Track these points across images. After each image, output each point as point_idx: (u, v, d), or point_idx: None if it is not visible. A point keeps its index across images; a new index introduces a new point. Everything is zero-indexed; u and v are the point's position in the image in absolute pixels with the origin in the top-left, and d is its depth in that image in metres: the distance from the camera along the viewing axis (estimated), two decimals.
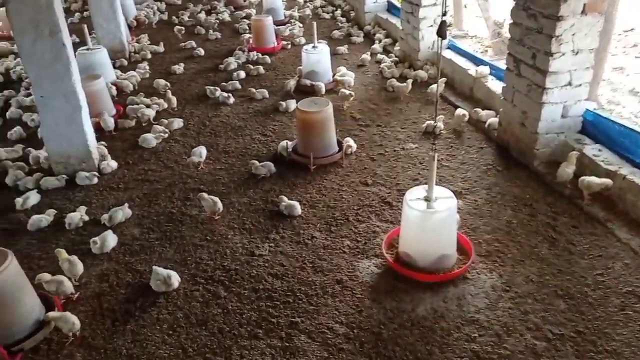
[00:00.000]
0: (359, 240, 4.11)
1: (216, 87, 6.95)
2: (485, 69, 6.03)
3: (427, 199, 3.47)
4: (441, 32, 2.88)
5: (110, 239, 4.10)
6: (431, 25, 7.03)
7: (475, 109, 5.76)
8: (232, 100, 6.72)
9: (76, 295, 3.70)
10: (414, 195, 3.55)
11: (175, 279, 3.66)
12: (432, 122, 5.63)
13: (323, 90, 6.72)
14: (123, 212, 4.43)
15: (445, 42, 7.16)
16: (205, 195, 4.40)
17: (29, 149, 5.52)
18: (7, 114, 6.66)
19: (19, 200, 4.66)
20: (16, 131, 6.06)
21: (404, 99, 6.55)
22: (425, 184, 3.65)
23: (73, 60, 4.86)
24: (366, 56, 7.90)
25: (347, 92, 6.40)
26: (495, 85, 5.87)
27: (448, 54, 6.96)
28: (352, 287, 3.64)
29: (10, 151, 5.60)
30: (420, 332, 3.24)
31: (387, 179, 4.91)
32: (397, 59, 7.75)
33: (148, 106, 6.55)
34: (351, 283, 3.67)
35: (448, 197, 3.53)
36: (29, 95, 7.13)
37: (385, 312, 3.40)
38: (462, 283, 3.59)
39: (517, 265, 3.74)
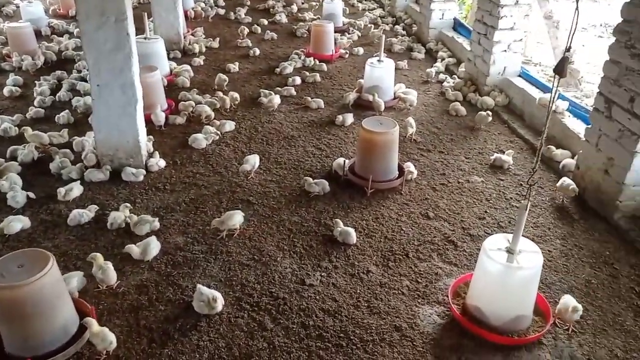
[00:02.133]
0: (419, 282, 3.74)
1: (271, 92, 6.68)
2: (563, 104, 5.58)
3: (510, 252, 3.08)
4: (561, 70, 2.51)
5: (154, 247, 3.83)
6: (505, 50, 6.61)
7: (549, 147, 5.32)
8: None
9: (116, 284, 3.56)
10: (494, 244, 3.16)
11: (220, 302, 3.36)
12: (503, 156, 5.24)
13: (382, 107, 6.37)
14: (150, 225, 4.13)
15: (517, 69, 6.75)
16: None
17: (83, 139, 5.32)
18: (57, 95, 6.51)
19: (61, 191, 4.46)
20: (64, 115, 5.88)
21: (468, 126, 6.15)
22: (496, 228, 3.29)
23: (135, 51, 4.64)
24: (430, 71, 7.57)
25: (411, 129, 5.79)
26: (573, 123, 5.43)
27: (519, 82, 6.53)
28: (412, 337, 3.27)
29: (57, 136, 5.42)
30: None
31: (451, 214, 4.52)
32: (460, 80, 7.35)
33: (199, 103, 6.33)
34: (411, 332, 3.30)
35: (534, 251, 3.13)
36: (81, 79, 7.00)
37: None
38: (537, 349, 3.19)
39: (599, 334, 3.31)
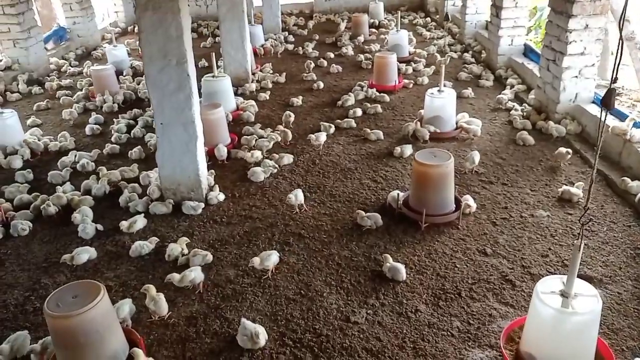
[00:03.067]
0: (471, 323, 3.54)
1: (331, 125, 6.75)
2: (639, 132, 5.16)
3: (565, 295, 2.85)
4: (608, 102, 2.33)
5: (196, 276, 3.94)
6: (576, 76, 6.26)
7: (623, 178, 4.92)
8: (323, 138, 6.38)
9: (167, 315, 3.68)
10: (547, 287, 2.94)
11: (263, 337, 3.36)
12: (572, 189, 4.92)
13: (426, 136, 6.32)
14: (203, 258, 4.23)
15: (590, 95, 6.37)
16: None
17: (147, 173, 5.64)
18: (132, 132, 6.97)
19: (124, 223, 4.72)
20: (136, 151, 6.28)
21: (536, 156, 5.84)
22: (560, 267, 3.03)
23: (195, 90, 4.89)
24: (502, 97, 7.36)
25: (470, 165, 5.53)
26: None
27: (592, 109, 6.14)
28: None
29: (128, 171, 5.78)
30: None
31: (510, 251, 4.28)
32: (530, 108, 7.04)
33: (261, 137, 6.52)
34: None
35: (591, 295, 2.87)
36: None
37: None
38: None
39: None
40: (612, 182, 5.09)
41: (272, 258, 4.10)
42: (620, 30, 2.18)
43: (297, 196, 4.95)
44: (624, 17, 2.19)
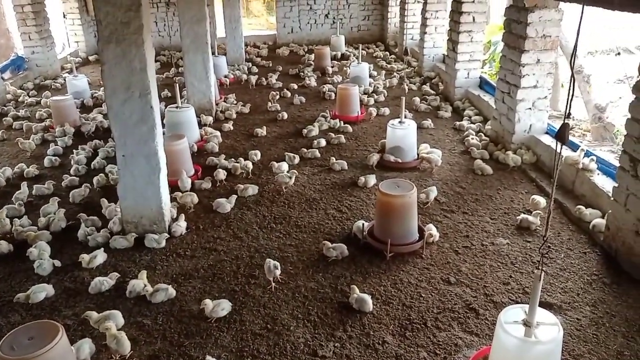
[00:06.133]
0: (437, 353, 3.57)
1: (295, 155, 6.79)
2: (591, 164, 5.41)
3: (527, 324, 2.92)
4: (562, 136, 2.45)
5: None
6: (529, 108, 6.55)
7: (578, 207, 5.12)
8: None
9: (128, 356, 3.54)
10: (510, 317, 3.00)
11: None
12: (530, 217, 5.08)
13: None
14: (166, 293, 4.16)
15: (543, 126, 6.66)
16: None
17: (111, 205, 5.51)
18: (92, 163, 6.82)
19: (85, 259, 4.58)
20: (98, 180, 6.15)
21: (494, 185, 6.03)
22: (521, 294, 3.09)
23: (159, 122, 4.85)
24: (462, 124, 7.64)
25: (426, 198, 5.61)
26: (603, 181, 5.24)
27: (546, 139, 6.41)
28: None
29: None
30: None
31: (473, 279, 4.36)
32: (487, 138, 7.29)
33: (226, 168, 6.50)
34: None
35: (552, 323, 2.95)
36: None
37: None
38: None
39: None
40: (567, 210, 5.29)
41: (224, 305, 3.96)
42: (572, 67, 2.32)
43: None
44: (575, 55, 2.32)
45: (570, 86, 2.36)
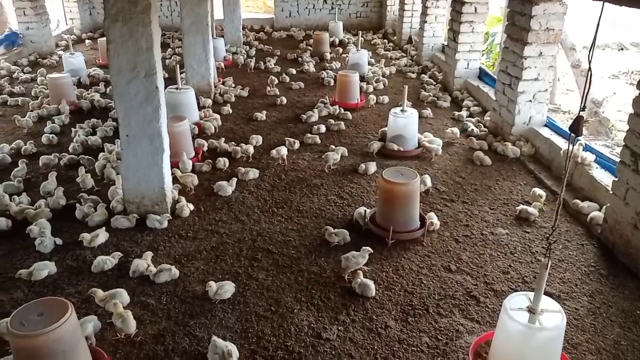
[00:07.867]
0: (439, 339, 3.64)
1: (295, 140, 6.79)
2: (589, 156, 5.49)
3: (532, 311, 2.98)
4: (576, 129, 2.49)
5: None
6: (530, 100, 6.60)
7: (575, 200, 5.20)
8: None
9: (133, 334, 3.57)
10: (515, 303, 3.06)
11: (235, 356, 3.32)
12: (529, 208, 5.14)
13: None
14: (169, 273, 4.18)
15: (543, 118, 6.72)
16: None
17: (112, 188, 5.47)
18: (90, 142, 6.76)
19: (86, 237, 4.57)
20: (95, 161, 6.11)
21: (493, 176, 6.09)
22: (520, 284, 3.16)
23: (163, 103, 4.83)
24: (454, 126, 7.60)
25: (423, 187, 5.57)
26: (601, 175, 5.32)
27: (545, 132, 6.48)
28: None
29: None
30: None
31: (474, 267, 4.43)
32: (486, 129, 7.34)
33: (227, 151, 6.49)
34: None
35: (556, 311, 3.02)
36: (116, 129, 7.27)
37: None
38: None
39: None
40: (565, 203, 5.36)
41: (227, 287, 3.98)
42: (590, 61, 2.35)
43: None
44: (593, 50, 2.35)
45: (586, 80, 2.39)
